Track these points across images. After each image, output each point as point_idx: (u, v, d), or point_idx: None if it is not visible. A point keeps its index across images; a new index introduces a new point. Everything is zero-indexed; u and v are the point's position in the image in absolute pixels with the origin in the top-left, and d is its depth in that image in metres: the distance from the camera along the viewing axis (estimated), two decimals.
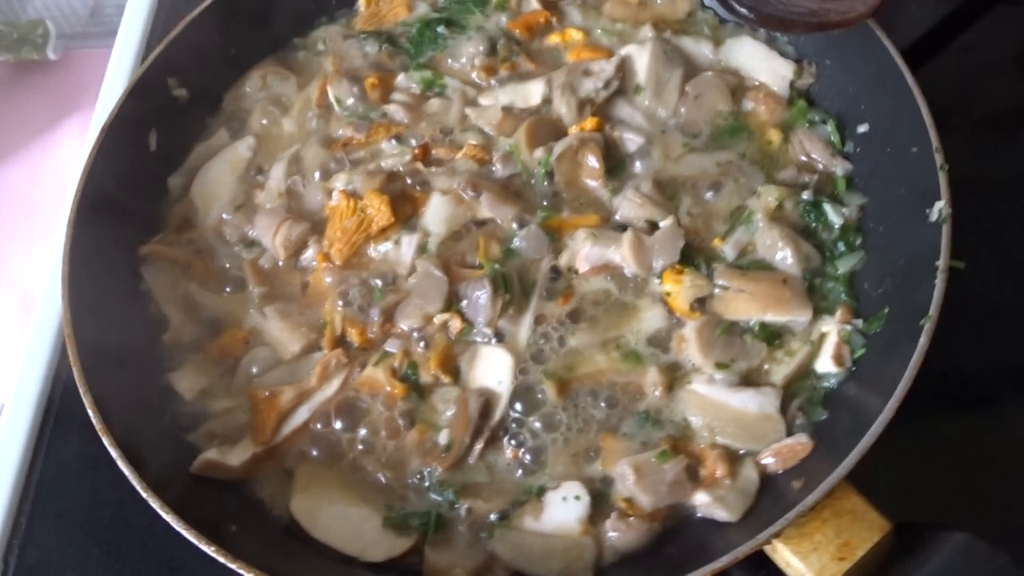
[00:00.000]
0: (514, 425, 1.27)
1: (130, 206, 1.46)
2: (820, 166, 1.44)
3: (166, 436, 1.30)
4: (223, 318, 1.41)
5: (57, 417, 1.48)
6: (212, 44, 1.58)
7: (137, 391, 1.31)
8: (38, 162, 2.12)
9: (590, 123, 1.47)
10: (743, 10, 1.30)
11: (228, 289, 1.43)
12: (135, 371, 1.32)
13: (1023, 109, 1.70)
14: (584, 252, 1.36)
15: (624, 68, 1.53)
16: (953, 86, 1.54)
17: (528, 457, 1.26)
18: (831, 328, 1.29)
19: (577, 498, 1.21)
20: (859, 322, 1.29)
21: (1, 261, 1.99)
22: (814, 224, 1.38)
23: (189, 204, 1.51)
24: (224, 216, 1.48)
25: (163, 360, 1.37)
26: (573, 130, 1.47)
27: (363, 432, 1.30)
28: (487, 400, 1.28)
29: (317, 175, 1.49)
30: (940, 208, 1.22)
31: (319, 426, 1.30)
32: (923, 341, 1.12)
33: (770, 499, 1.17)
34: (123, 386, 1.27)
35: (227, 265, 1.45)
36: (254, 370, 1.35)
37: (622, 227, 1.39)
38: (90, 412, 1.20)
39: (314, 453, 1.29)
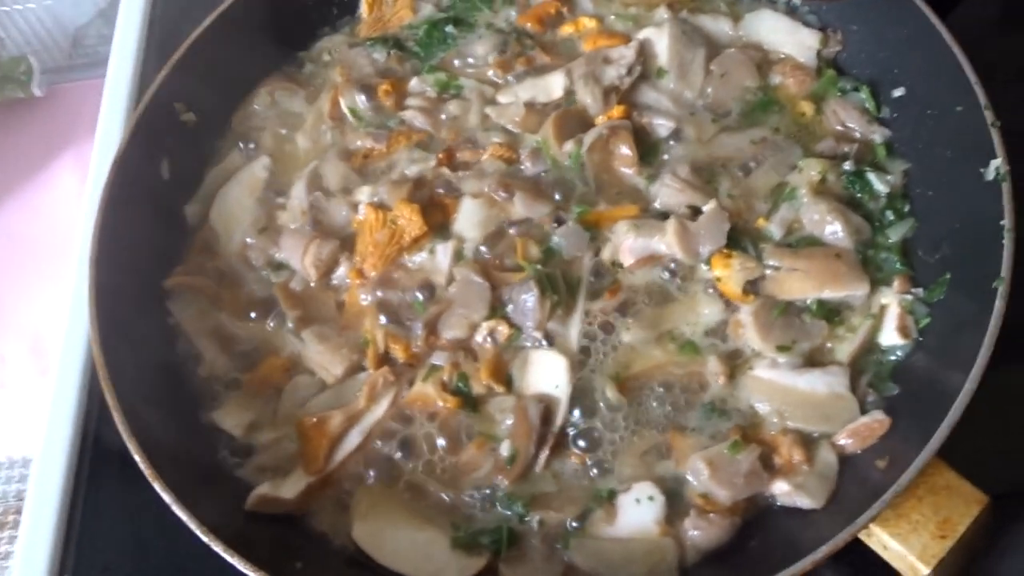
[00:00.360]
0: (576, 429, 1.23)
1: (149, 239, 1.40)
2: (857, 134, 1.40)
3: (214, 474, 1.25)
4: (259, 347, 1.35)
5: (91, 467, 1.42)
6: (215, 65, 1.52)
7: (179, 431, 1.25)
8: (35, 202, 2.06)
9: (617, 111, 1.43)
10: None
11: (258, 316, 1.37)
12: (175, 411, 1.27)
13: None
14: (627, 244, 1.32)
15: (644, 52, 1.49)
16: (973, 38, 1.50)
17: (595, 461, 1.21)
18: (891, 299, 1.26)
19: (651, 499, 1.17)
20: (919, 291, 1.26)
21: (7, 307, 1.92)
22: (859, 194, 1.35)
23: (209, 231, 1.45)
24: (248, 240, 1.42)
25: (202, 396, 1.31)
26: (600, 119, 1.43)
27: (419, 451, 1.25)
28: (547, 406, 1.23)
29: (339, 190, 1.44)
30: (997, 166, 1.19)
31: (373, 448, 1.25)
32: (999, 305, 1.09)
33: (853, 481, 1.13)
34: (165, 428, 1.22)
35: (256, 291, 1.40)
36: (298, 398, 1.30)
37: (662, 215, 1.35)
38: (137, 459, 1.14)
39: (371, 477, 1.24)
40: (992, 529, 1.02)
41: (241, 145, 1.53)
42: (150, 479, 1.13)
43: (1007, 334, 1.09)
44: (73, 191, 2.02)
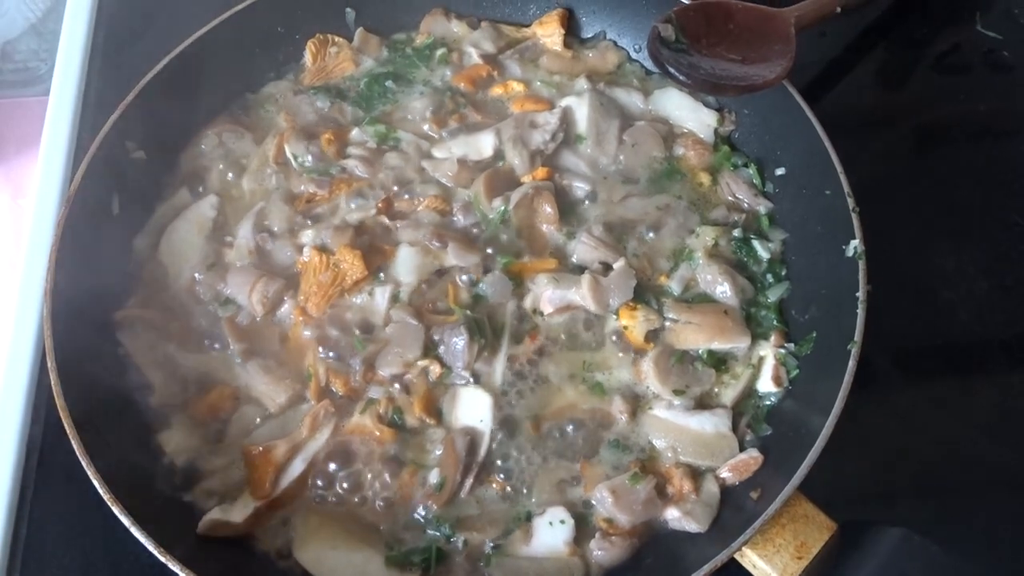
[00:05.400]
0: (498, 459, 1.39)
1: (100, 272, 1.48)
2: (745, 205, 1.62)
3: (166, 498, 1.35)
4: (206, 377, 1.45)
5: (36, 488, 1.48)
6: (166, 105, 1.60)
7: (133, 457, 1.35)
8: None
9: (541, 172, 1.61)
10: (681, 76, 1.46)
11: (208, 343, 1.48)
12: (130, 438, 1.36)
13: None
14: (547, 295, 1.49)
15: (566, 119, 1.66)
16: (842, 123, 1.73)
17: (513, 488, 1.38)
18: (768, 352, 1.48)
19: (562, 522, 1.34)
20: (791, 346, 1.48)
21: None
22: (745, 258, 1.56)
23: (157, 265, 1.54)
24: (196, 276, 1.52)
25: (154, 423, 1.41)
26: (526, 179, 1.60)
27: (356, 477, 1.38)
28: (472, 438, 1.39)
29: (284, 231, 1.56)
30: (855, 246, 1.42)
31: (315, 475, 1.38)
32: (851, 364, 1.31)
33: (731, 509, 1.34)
34: (121, 454, 1.31)
35: (203, 324, 1.50)
36: (245, 427, 1.41)
37: (578, 269, 1.53)
38: (96, 483, 1.23)
39: (313, 502, 1.37)
40: (838, 552, 1.24)
41: (189, 184, 1.62)
42: (109, 503, 1.22)
43: (859, 386, 1.32)
44: (3, 205, 2.04)
